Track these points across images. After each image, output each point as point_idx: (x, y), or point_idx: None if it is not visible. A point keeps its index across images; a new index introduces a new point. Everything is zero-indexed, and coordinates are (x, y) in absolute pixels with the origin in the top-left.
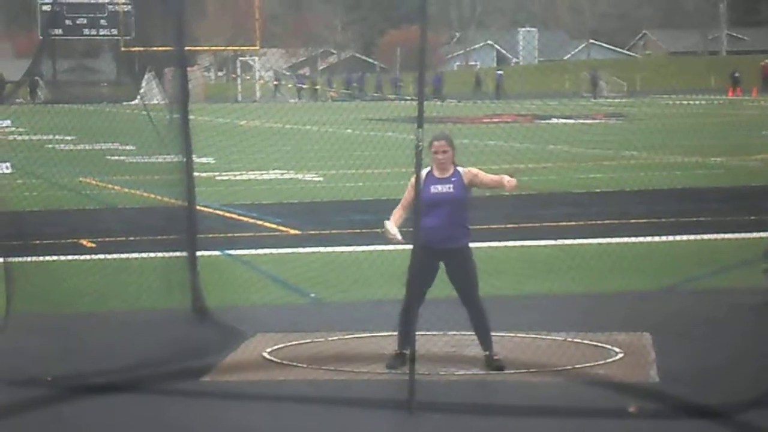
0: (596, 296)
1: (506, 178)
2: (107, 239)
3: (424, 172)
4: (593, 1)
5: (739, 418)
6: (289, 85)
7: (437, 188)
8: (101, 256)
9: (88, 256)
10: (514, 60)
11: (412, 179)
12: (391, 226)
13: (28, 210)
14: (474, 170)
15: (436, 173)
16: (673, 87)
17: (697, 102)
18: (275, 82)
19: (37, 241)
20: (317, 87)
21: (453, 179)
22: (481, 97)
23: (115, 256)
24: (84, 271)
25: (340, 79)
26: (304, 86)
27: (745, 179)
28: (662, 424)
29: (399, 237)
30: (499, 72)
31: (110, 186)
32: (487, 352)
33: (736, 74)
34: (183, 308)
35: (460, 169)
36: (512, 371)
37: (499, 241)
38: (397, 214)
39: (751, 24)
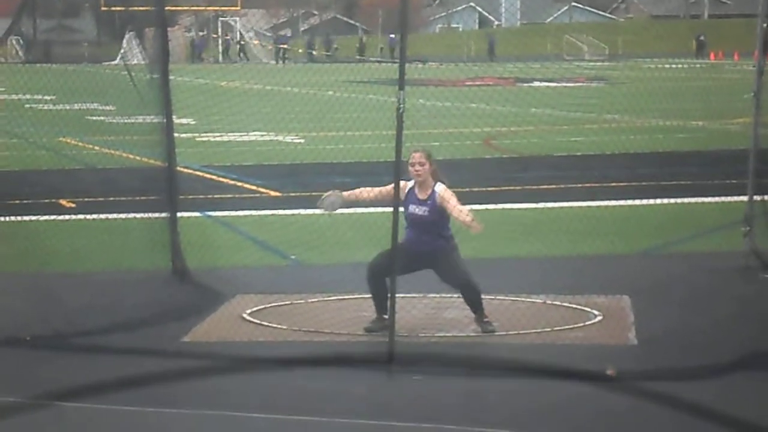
0: (576, 259)
1: (470, 221)
2: (87, 199)
3: (409, 184)
4: None
5: (717, 380)
6: (269, 47)
7: (414, 210)
8: (81, 217)
9: (67, 216)
10: (497, 22)
11: (398, 186)
12: (337, 196)
13: (7, 170)
14: (447, 195)
15: (417, 191)
16: (655, 50)
17: (679, 65)
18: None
19: (17, 201)
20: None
21: (429, 202)
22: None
23: (95, 216)
24: (63, 231)
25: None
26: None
27: (726, 143)
28: (640, 386)
29: (327, 211)
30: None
31: (90, 146)
32: (476, 315)
33: (701, 37)
34: (163, 269)
35: (437, 189)
36: (492, 333)
37: (480, 203)
38: (359, 194)
39: None
